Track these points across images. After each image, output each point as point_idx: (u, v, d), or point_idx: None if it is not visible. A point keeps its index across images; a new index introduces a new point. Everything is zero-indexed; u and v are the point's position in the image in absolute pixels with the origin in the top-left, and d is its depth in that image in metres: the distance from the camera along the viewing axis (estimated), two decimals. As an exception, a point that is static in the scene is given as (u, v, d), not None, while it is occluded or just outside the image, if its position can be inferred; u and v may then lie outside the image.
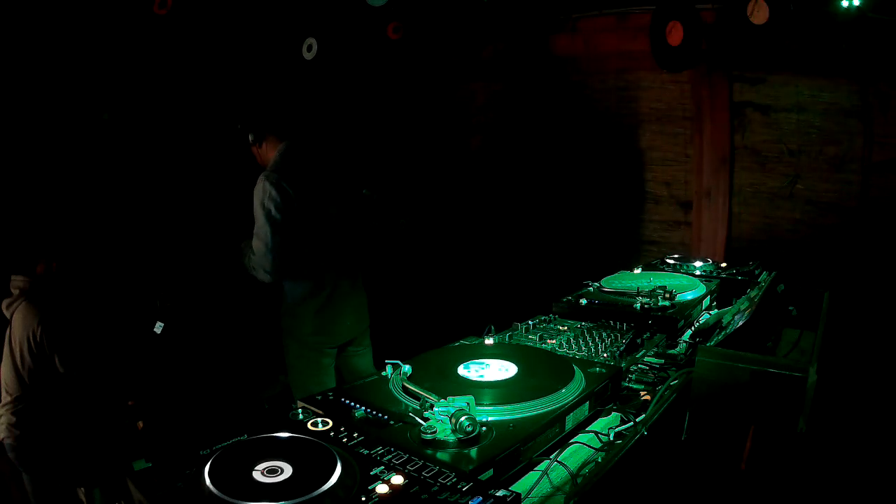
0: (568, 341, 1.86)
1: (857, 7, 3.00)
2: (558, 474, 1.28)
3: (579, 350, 1.80)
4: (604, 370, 1.59)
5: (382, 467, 1.14)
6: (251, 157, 3.11)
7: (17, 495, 2.99)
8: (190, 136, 4.37)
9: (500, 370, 1.57)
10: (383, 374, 1.56)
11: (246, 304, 4.29)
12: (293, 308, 2.96)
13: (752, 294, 2.40)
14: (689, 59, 3.55)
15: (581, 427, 1.45)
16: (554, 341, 1.87)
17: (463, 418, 1.21)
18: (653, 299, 2.13)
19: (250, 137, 2.96)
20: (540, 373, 1.53)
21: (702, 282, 2.43)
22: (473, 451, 1.19)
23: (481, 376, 1.54)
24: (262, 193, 2.76)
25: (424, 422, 1.25)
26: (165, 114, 4.19)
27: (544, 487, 1.23)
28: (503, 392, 1.42)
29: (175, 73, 4.13)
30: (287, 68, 4.06)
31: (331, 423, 1.32)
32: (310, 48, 4.01)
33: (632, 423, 1.46)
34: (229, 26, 4.07)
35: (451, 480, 1.09)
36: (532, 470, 1.28)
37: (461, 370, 1.57)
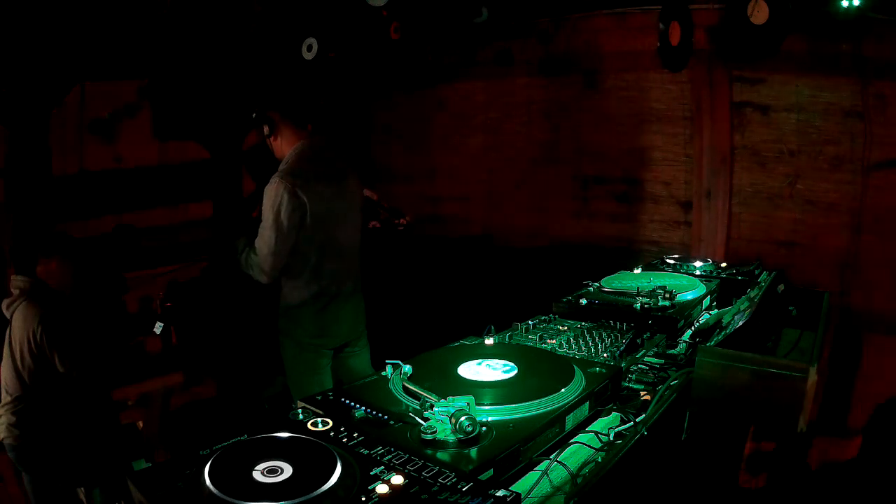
0: (568, 341, 1.86)
1: (857, 7, 2.99)
2: (558, 474, 1.28)
3: (579, 350, 1.80)
4: (604, 370, 1.59)
5: (382, 467, 1.13)
6: (252, 156, 3.11)
7: (18, 495, 3.00)
8: (189, 135, 4.38)
9: (500, 370, 1.57)
10: (383, 374, 1.56)
11: (246, 304, 4.29)
12: (290, 310, 2.94)
13: (752, 294, 2.40)
14: (685, 59, 3.57)
15: (581, 427, 1.45)
16: (554, 341, 1.87)
17: (463, 418, 1.21)
18: (653, 299, 2.13)
19: (265, 129, 2.89)
20: (540, 373, 1.53)
21: (702, 282, 2.43)
22: (473, 451, 1.19)
23: (481, 376, 1.54)
24: (276, 197, 2.71)
25: (424, 422, 1.25)
26: (165, 112, 4.19)
27: (544, 487, 1.23)
28: (503, 392, 1.42)
29: (175, 72, 4.13)
30: (293, 67, 4.06)
31: (331, 423, 1.32)
32: (310, 48, 4.01)
33: (632, 423, 1.46)
34: (229, 25, 4.07)
35: (451, 480, 1.09)
36: (532, 470, 1.28)
37: (461, 370, 1.57)
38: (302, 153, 2.85)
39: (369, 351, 3.24)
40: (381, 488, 1.05)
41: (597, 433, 1.42)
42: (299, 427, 1.31)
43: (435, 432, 1.23)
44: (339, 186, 2.95)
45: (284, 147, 2.89)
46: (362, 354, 3.19)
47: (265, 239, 2.75)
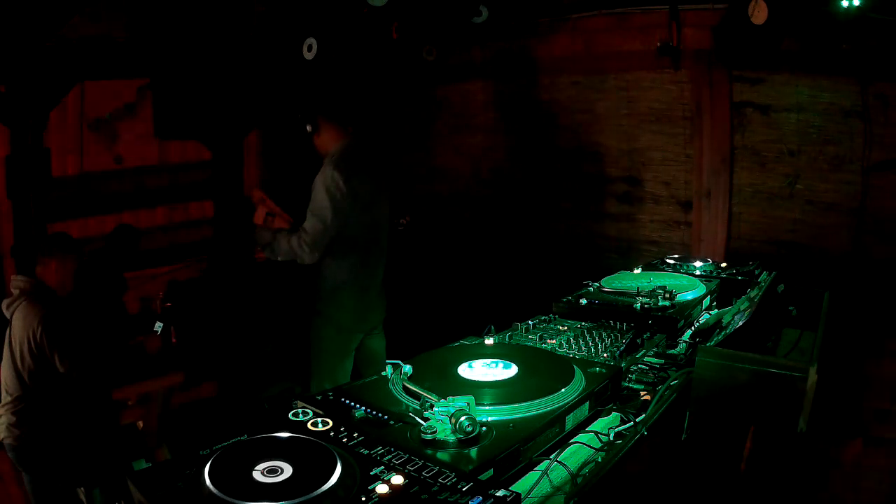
0: (568, 341, 1.85)
1: (857, 7, 2.99)
2: (558, 474, 1.28)
3: (579, 350, 1.80)
4: (604, 370, 1.58)
5: (382, 467, 1.13)
6: (253, 158, 3.17)
7: (18, 495, 3.00)
8: (189, 135, 4.38)
9: (500, 370, 1.57)
10: (383, 374, 1.56)
11: (246, 304, 4.29)
12: (334, 292, 3.12)
13: (752, 294, 2.40)
14: (679, 59, 3.62)
15: (581, 427, 1.45)
16: (554, 341, 1.87)
17: (463, 418, 1.21)
18: (653, 299, 2.13)
19: (308, 128, 3.13)
20: (540, 373, 1.52)
21: (702, 282, 2.43)
22: (473, 451, 1.19)
23: (481, 376, 1.53)
24: (329, 179, 2.96)
25: (424, 422, 1.25)
26: (165, 112, 4.19)
27: (544, 487, 1.23)
28: (503, 392, 1.42)
29: (175, 72, 4.13)
30: (293, 66, 4.07)
31: (331, 423, 1.32)
32: (310, 48, 4.01)
33: (632, 423, 1.46)
34: (229, 25, 4.07)
35: (451, 480, 1.09)
36: (532, 470, 1.28)
37: (461, 370, 1.57)
38: (346, 149, 3.10)
39: (384, 335, 3.44)
40: (381, 488, 1.05)
41: (597, 433, 1.42)
42: (299, 427, 1.31)
43: (435, 432, 1.23)
44: (378, 180, 3.20)
45: (328, 144, 3.12)
46: (380, 336, 3.39)
47: (320, 217, 2.96)
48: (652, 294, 2.15)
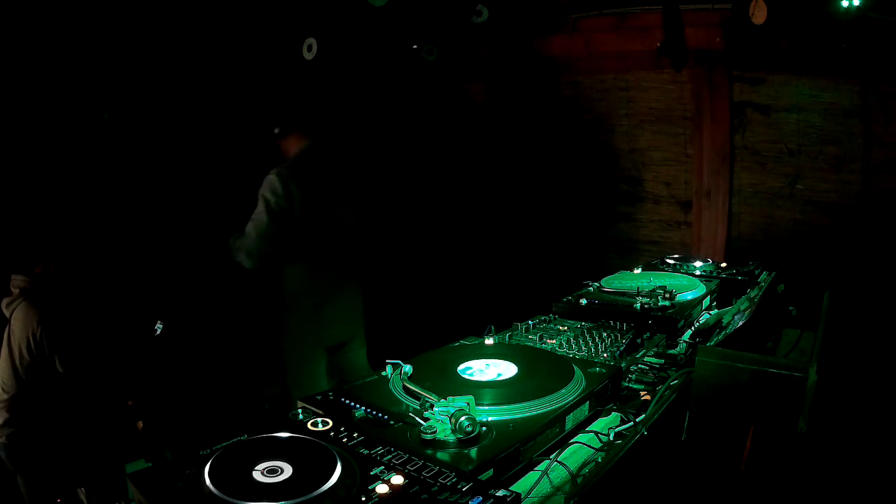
0: (568, 341, 1.85)
1: (857, 7, 2.99)
2: (558, 474, 1.28)
3: (579, 350, 1.80)
4: (604, 370, 1.58)
5: (382, 467, 1.13)
6: (250, 156, 3.16)
7: (17, 495, 2.99)
8: (189, 135, 4.38)
9: (500, 370, 1.57)
10: (383, 374, 1.56)
11: (246, 304, 4.28)
12: (290, 302, 3.06)
13: (752, 294, 2.40)
14: (679, 59, 3.61)
15: (581, 427, 1.45)
16: (554, 341, 1.87)
17: (463, 418, 1.21)
18: (653, 299, 2.13)
19: (276, 131, 3.10)
20: (540, 373, 1.52)
21: (702, 282, 2.43)
22: (473, 451, 1.19)
23: (481, 376, 1.53)
24: (268, 186, 2.90)
25: (424, 422, 1.25)
26: (165, 114, 4.19)
27: (544, 487, 1.23)
28: (503, 392, 1.42)
29: (175, 72, 4.14)
30: (299, 69, 4.07)
31: (331, 423, 1.32)
32: (310, 48, 4.01)
33: (632, 423, 1.46)
34: (230, 26, 4.07)
35: (451, 480, 1.09)
36: (532, 470, 1.28)
37: (461, 370, 1.57)
38: (303, 153, 3.03)
39: (366, 349, 3.34)
40: (381, 488, 1.05)
41: (597, 433, 1.42)
42: (299, 427, 1.31)
43: (435, 432, 1.23)
44: (339, 186, 3.09)
45: (291, 149, 3.08)
46: (360, 351, 3.30)
47: (255, 222, 2.90)
48: (652, 294, 2.16)
